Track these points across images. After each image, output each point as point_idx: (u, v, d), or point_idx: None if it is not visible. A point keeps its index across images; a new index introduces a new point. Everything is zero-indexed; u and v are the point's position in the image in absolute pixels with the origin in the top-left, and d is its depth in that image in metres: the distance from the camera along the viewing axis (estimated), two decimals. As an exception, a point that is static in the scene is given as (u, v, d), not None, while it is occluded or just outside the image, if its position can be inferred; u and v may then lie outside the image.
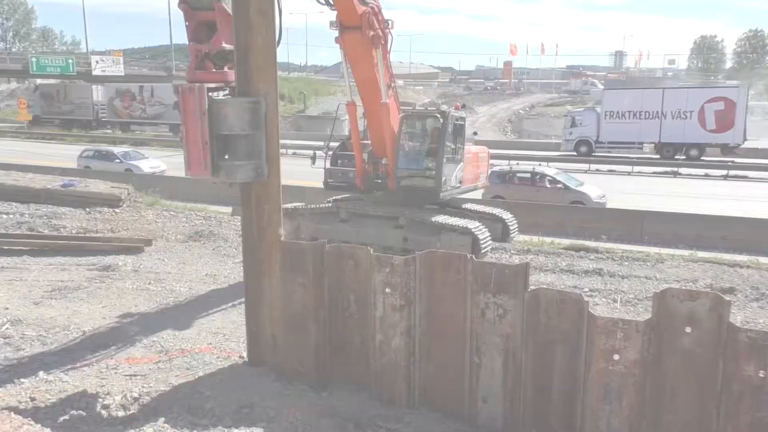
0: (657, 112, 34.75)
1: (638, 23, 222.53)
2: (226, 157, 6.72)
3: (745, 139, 33.72)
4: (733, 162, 31.69)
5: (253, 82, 6.73)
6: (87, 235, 14.26)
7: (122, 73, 58.38)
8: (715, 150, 34.01)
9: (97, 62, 58.25)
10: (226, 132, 6.59)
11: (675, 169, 30.30)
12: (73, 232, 14.52)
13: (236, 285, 11.20)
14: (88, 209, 16.32)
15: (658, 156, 34.74)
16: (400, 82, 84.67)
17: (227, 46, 7.20)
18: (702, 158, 33.73)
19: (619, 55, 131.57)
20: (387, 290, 6.46)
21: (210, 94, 6.64)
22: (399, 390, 6.51)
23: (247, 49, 6.68)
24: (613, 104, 36.32)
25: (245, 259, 7.26)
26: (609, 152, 35.74)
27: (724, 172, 29.45)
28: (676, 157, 34.08)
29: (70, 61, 57.25)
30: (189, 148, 6.59)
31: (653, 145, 35.23)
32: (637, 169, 31.06)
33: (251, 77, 6.72)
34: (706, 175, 29.36)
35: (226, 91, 7.13)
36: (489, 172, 15.75)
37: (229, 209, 18.06)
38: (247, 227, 7.11)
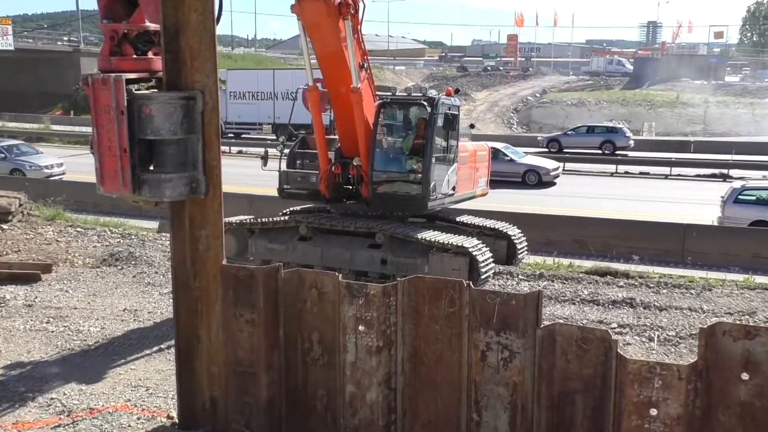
0: (270, 93, 44.94)
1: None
2: (151, 168, 6.67)
3: None
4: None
5: (186, 71, 6.71)
6: (-35, 258, 14.02)
7: (11, 47, 57.62)
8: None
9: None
10: (151, 136, 6.55)
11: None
12: (-53, 255, 14.27)
13: (164, 322, 11.08)
14: (-34, 225, 16.07)
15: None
16: (375, 60, 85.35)
17: (152, 26, 7.16)
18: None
19: (652, 27, 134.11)
20: (360, 328, 6.44)
21: (129, 87, 6.59)
22: (376, 457, 6.48)
23: (177, 28, 6.66)
24: (236, 85, 46.02)
25: (176, 297, 7.20)
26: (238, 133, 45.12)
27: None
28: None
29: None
30: (102, 157, 6.52)
31: (270, 125, 43.87)
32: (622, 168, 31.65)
33: (184, 65, 6.70)
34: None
35: (151, 83, 7.09)
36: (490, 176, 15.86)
37: (154, 224, 17.90)
38: (179, 257, 7.05)
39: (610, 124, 43.03)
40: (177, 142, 6.63)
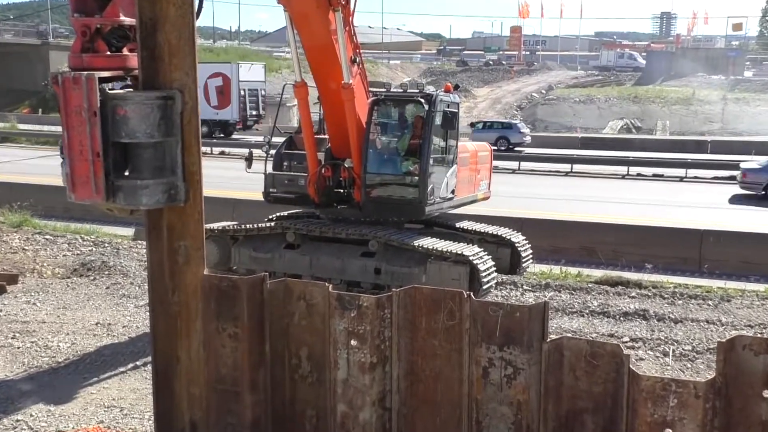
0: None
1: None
2: (126, 174, 6.66)
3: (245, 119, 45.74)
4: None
5: (163, 69, 6.69)
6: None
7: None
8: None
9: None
10: (126, 140, 6.52)
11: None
12: None
13: (139, 337, 11.06)
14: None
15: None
16: (369, 54, 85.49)
17: (127, 20, 7.15)
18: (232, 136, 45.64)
19: (666, 19, 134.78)
20: (353, 342, 6.43)
21: (103, 86, 6.58)
22: (370, 483, 6.47)
23: (154, 23, 6.65)
24: None
25: (153, 313, 7.17)
26: None
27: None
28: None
29: None
30: (73, 162, 6.49)
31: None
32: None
33: (161, 63, 6.69)
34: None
35: (127, 82, 7.09)
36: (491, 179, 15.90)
37: (129, 231, 17.87)
38: (156, 270, 7.03)
39: (506, 120, 46.22)
40: (154, 146, 6.61)
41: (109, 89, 6.70)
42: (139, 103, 6.53)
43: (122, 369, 10.03)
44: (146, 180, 6.60)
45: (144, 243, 7.31)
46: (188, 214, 6.90)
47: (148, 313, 7.57)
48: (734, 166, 32.11)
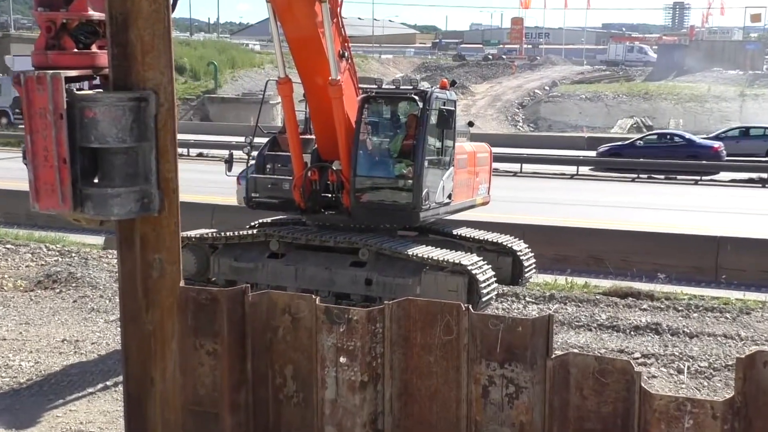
0: None
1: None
2: (96, 181, 6.65)
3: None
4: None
5: (136, 68, 6.68)
6: None
7: None
8: None
9: None
10: (96, 144, 6.50)
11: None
12: None
13: (109, 355, 11.02)
14: None
15: None
16: (358, 48, 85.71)
17: (96, 15, 7.15)
18: None
19: (679, 9, 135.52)
20: (342, 359, 6.43)
21: (70, 86, 6.56)
22: None
23: (126, 18, 6.64)
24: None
25: (125, 332, 7.15)
26: None
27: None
28: None
29: None
30: (37, 168, 6.46)
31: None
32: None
33: (134, 61, 6.68)
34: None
35: (96, 82, 7.08)
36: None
37: (99, 240, 17.82)
38: (128, 286, 7.01)
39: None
40: (126, 151, 6.60)
41: (77, 90, 6.69)
42: (110, 105, 6.51)
43: (91, 390, 9.97)
44: (117, 188, 6.58)
45: (114, 252, 7.29)
46: (163, 224, 6.88)
47: (119, 329, 7.55)
48: (753, 167, 32.34)
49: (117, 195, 6.57)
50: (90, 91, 6.81)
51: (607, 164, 35.24)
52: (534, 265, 14.66)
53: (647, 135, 39.53)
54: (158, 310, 6.95)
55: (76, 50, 7.04)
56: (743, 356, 5.51)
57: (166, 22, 6.71)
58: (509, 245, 14.24)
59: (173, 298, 6.94)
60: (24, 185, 7.12)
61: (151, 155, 6.69)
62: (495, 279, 12.80)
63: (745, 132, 38.79)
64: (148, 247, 6.91)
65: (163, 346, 6.97)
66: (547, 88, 72.61)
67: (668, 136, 38.25)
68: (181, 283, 7.04)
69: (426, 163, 12.73)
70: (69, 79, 6.56)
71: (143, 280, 6.94)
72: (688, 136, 37.87)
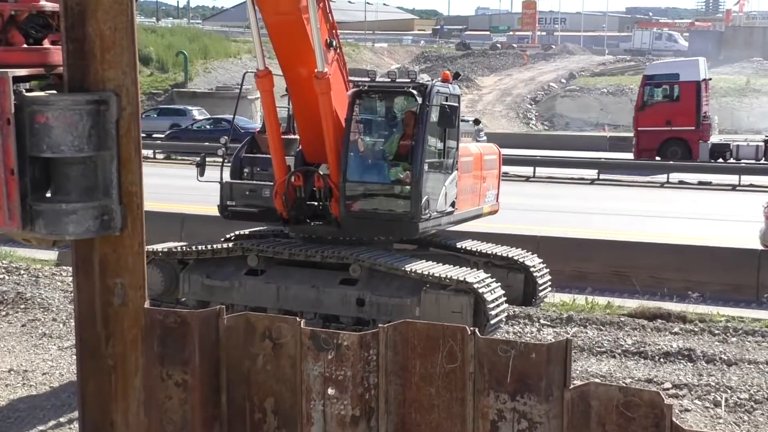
0: None
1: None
2: (48, 196, 6.65)
3: None
4: None
5: (95, 66, 6.69)
6: None
7: None
8: None
9: None
10: (49, 154, 6.50)
11: None
12: None
13: (63, 387, 10.97)
14: None
15: None
16: (348, 36, 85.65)
17: (49, 5, 7.16)
18: None
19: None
20: (330, 391, 6.43)
21: (19, 87, 6.57)
22: None
23: (83, 9, 6.64)
24: None
25: (81, 367, 7.13)
26: None
27: None
28: None
29: None
30: None
31: None
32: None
33: (92, 59, 6.68)
34: None
35: (49, 82, 7.09)
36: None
37: (52, 255, 17.78)
38: (85, 315, 6.99)
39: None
40: (83, 161, 6.60)
41: (27, 91, 6.69)
42: (65, 109, 6.50)
43: (42, 427, 9.92)
44: (73, 203, 6.57)
45: (70, 269, 7.29)
46: (126, 244, 6.88)
47: (74, 357, 7.53)
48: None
49: (73, 211, 6.56)
50: (42, 93, 6.81)
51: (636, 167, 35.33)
52: (549, 283, 14.67)
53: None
54: (120, 342, 6.92)
55: (26, 46, 7.06)
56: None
57: (129, 13, 6.71)
58: (521, 260, 14.25)
59: (137, 329, 6.91)
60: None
61: (111, 166, 6.69)
62: (505, 299, 12.79)
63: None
64: (108, 270, 6.90)
65: (126, 383, 6.95)
66: (563, 80, 72.77)
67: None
68: (146, 305, 7.04)
69: (426, 167, 12.73)
70: (18, 79, 6.55)
71: (103, 308, 6.92)
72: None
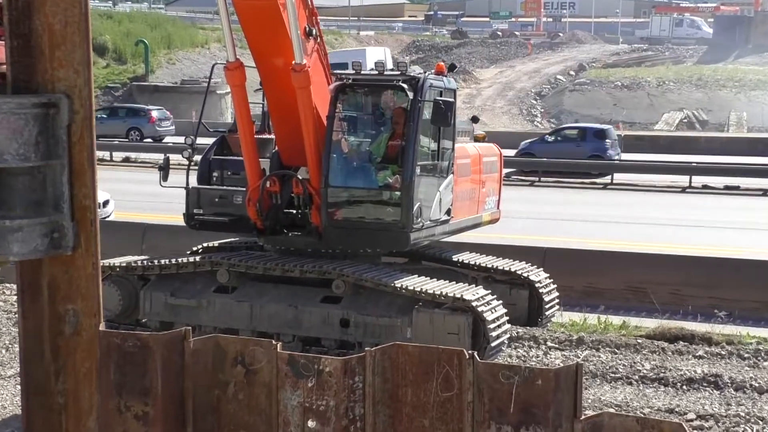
0: None
1: None
2: None
3: None
4: None
5: (42, 65, 6.65)
6: None
7: None
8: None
9: None
10: None
11: None
12: None
13: (7, 422, 10.92)
14: None
15: None
16: (330, 23, 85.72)
17: None
18: None
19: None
20: (310, 424, 6.44)
21: None
22: None
23: (30, 1, 6.65)
24: None
25: (27, 405, 7.09)
26: None
27: None
28: None
29: None
30: None
31: None
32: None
33: (40, 56, 6.64)
34: None
35: None
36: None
37: (-6, 270, 17.74)
38: (32, 346, 6.93)
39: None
40: (30, 172, 6.56)
41: None
42: (8, 113, 6.47)
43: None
44: (18, 220, 6.54)
45: (13, 286, 7.26)
46: (78, 265, 6.83)
47: (18, 387, 7.51)
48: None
49: (18, 228, 6.53)
50: None
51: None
52: (557, 301, 14.72)
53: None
54: (72, 377, 6.88)
55: None
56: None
57: (82, 5, 6.69)
58: (525, 275, 14.28)
59: (92, 361, 6.86)
60: None
61: (62, 177, 6.66)
62: (507, 318, 12.82)
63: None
64: (58, 295, 6.85)
65: (78, 424, 6.91)
66: (572, 73, 73.05)
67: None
68: (101, 327, 7.02)
69: (418, 170, 12.74)
70: None
71: (52, 338, 6.88)
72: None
